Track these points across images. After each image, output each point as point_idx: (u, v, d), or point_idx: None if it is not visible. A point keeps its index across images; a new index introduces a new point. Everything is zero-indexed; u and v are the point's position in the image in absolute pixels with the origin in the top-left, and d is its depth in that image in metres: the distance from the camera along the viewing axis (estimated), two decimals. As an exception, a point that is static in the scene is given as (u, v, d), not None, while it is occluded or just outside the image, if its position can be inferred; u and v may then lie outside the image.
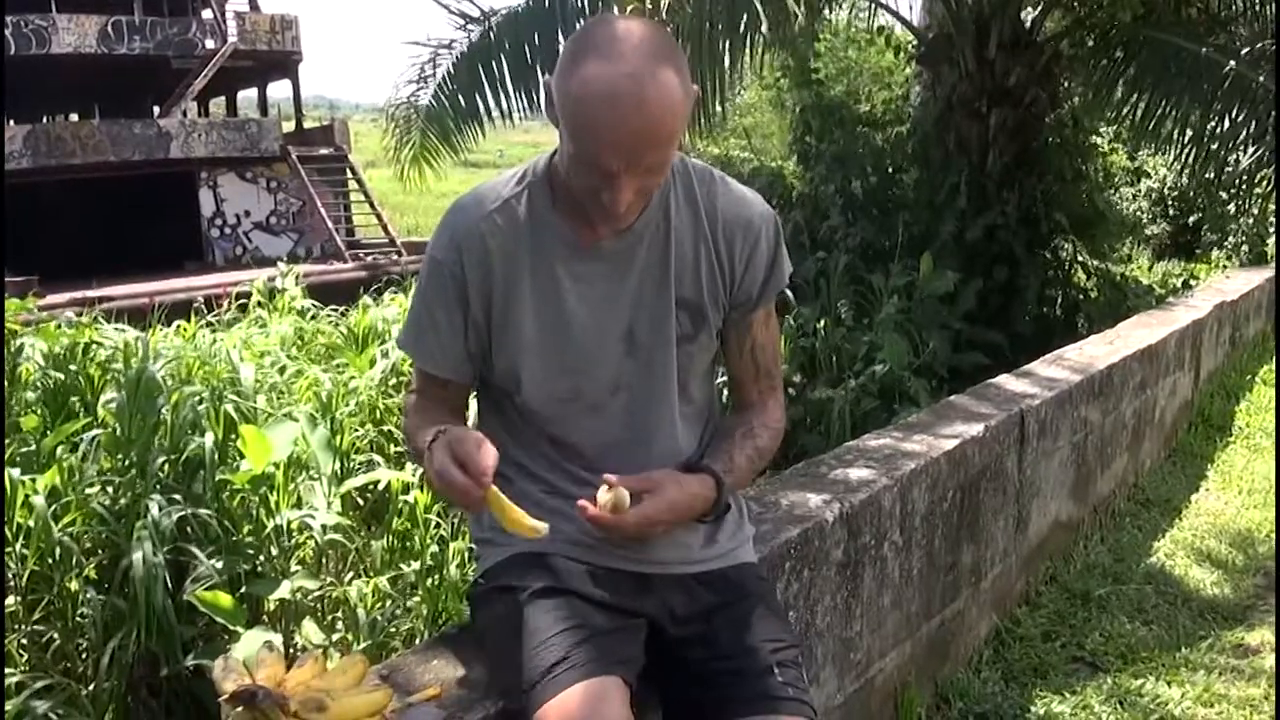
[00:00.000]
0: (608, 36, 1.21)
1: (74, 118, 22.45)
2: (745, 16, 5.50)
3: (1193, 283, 8.97)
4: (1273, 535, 3.70)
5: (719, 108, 5.98)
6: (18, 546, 2.77)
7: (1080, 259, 7.66)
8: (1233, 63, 5.85)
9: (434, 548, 3.16)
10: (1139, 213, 14.22)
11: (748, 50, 5.93)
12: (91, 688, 2.64)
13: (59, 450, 3.15)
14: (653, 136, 1.20)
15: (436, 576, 3.06)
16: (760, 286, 1.47)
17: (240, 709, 1.14)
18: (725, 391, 1.82)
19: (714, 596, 1.43)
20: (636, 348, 1.42)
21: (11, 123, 19.05)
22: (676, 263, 1.41)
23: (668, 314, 1.41)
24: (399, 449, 4.12)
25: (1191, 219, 13.94)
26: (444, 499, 1.32)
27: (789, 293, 6.06)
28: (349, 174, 20.53)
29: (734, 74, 6.25)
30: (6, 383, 3.76)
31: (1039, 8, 7.03)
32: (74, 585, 2.78)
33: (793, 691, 1.35)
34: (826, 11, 8.04)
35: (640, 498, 1.32)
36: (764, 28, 5.36)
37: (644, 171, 1.24)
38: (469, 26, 7.03)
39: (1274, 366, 6.30)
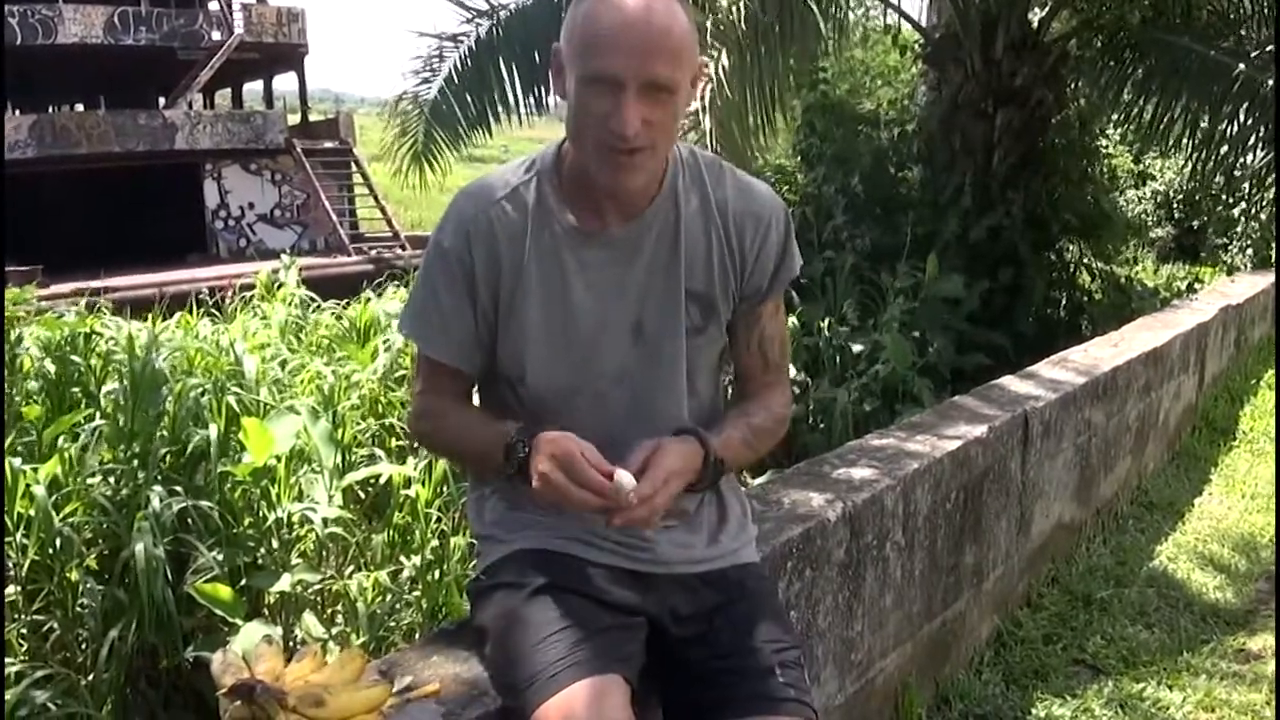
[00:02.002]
0: None
1: (79, 108, 22.43)
2: (795, 17, 5.56)
3: (1197, 286, 8.94)
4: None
5: (776, 100, 6.01)
6: (18, 536, 2.77)
7: (1085, 261, 7.64)
8: (1242, 65, 5.83)
9: (434, 542, 3.16)
10: (1144, 215, 14.19)
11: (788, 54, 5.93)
12: (90, 678, 2.64)
13: (60, 440, 3.14)
14: (660, 43, 1.23)
15: (437, 571, 3.06)
16: (770, 278, 1.46)
17: (238, 703, 1.13)
18: (729, 390, 1.80)
19: (716, 596, 1.42)
20: (644, 338, 1.41)
21: (17, 112, 19.05)
22: (687, 254, 1.40)
23: (677, 305, 1.40)
24: (400, 443, 4.11)
25: (1196, 222, 13.91)
26: (542, 496, 1.30)
27: (792, 290, 6.06)
28: (353, 167, 20.50)
29: (789, 78, 6.24)
30: (7, 372, 3.76)
31: (1047, 8, 7.00)
32: (74, 575, 2.78)
33: (794, 692, 1.34)
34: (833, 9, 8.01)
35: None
36: (822, 26, 5.42)
37: (651, 87, 1.24)
38: (477, 20, 7.01)
39: (1275, 370, 6.28)
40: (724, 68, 5.20)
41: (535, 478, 1.27)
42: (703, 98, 5.03)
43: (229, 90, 24.26)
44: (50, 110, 21.03)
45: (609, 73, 1.23)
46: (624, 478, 1.25)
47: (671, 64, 1.24)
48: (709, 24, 5.28)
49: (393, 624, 2.92)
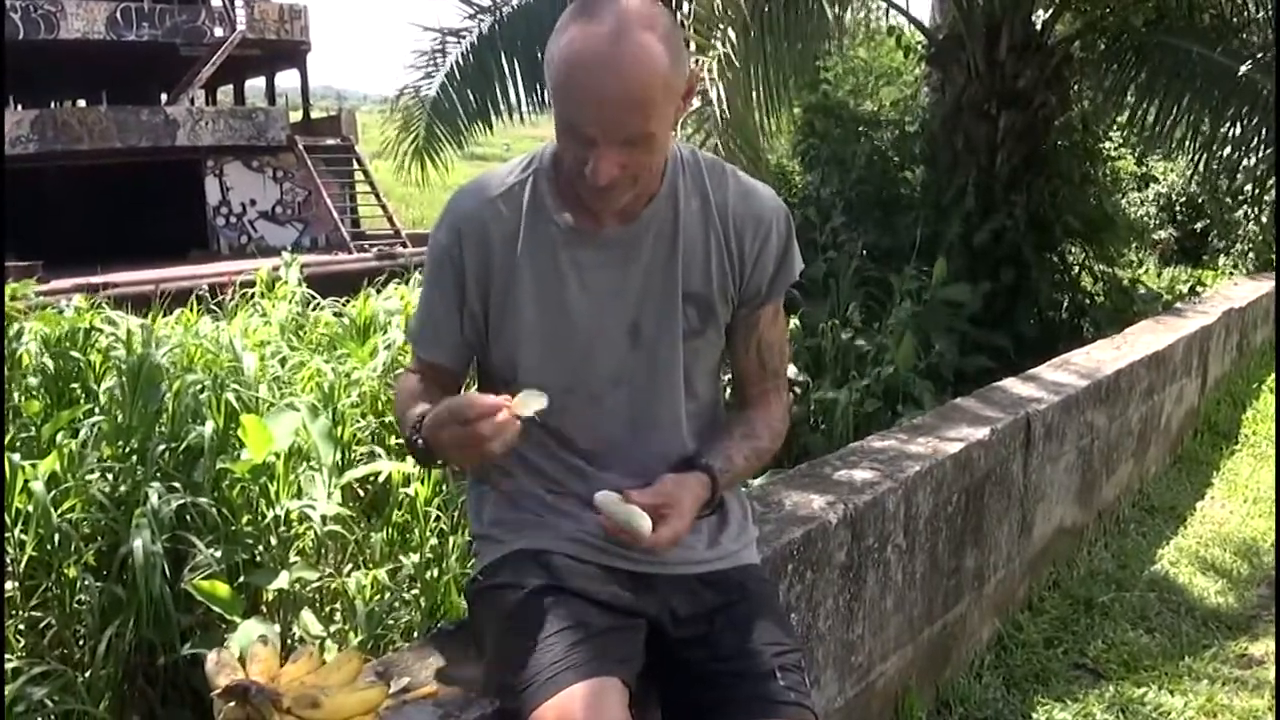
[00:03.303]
0: (598, 1, 1.21)
1: (81, 104, 22.43)
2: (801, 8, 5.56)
3: (1199, 289, 8.92)
4: (1278, 545, 3.68)
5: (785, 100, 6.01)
6: (17, 532, 2.76)
7: (1087, 263, 7.62)
8: (1245, 68, 5.82)
9: (433, 541, 3.15)
10: (1146, 218, 14.17)
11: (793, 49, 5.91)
12: (88, 674, 2.62)
13: (59, 436, 3.13)
14: (628, 100, 1.19)
15: (436, 570, 3.05)
16: (770, 281, 1.45)
17: (233, 704, 1.12)
18: (728, 390, 1.79)
19: (716, 597, 1.41)
20: (641, 341, 1.40)
21: (19, 108, 19.05)
22: (685, 255, 1.39)
23: (674, 307, 1.39)
24: (400, 440, 4.09)
25: (1199, 225, 13.90)
26: (464, 459, 1.28)
27: (795, 292, 6.01)
28: (355, 165, 20.50)
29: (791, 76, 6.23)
30: (6, 368, 3.74)
31: (1050, 11, 6.99)
32: (72, 572, 2.77)
33: (795, 695, 1.34)
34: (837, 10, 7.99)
35: (658, 512, 1.31)
36: (829, 14, 5.41)
37: (625, 143, 1.21)
38: (478, 16, 7.00)
39: (1276, 374, 6.26)
40: (732, 43, 5.16)
41: (447, 451, 1.25)
42: (712, 80, 4.99)
43: (231, 87, 24.24)
44: (52, 106, 21.04)
45: (579, 129, 1.21)
46: (625, 511, 1.28)
47: (644, 117, 1.21)
48: (717, 2, 5.24)
49: (391, 622, 2.90)
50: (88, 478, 2.94)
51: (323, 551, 3.13)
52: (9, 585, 2.74)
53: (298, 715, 1.14)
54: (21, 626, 2.76)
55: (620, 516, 1.28)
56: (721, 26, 5.08)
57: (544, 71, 1.28)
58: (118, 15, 18.46)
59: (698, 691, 1.36)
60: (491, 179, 1.41)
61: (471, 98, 7.01)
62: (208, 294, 6.22)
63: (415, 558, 3.06)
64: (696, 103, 5.02)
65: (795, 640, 1.45)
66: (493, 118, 7.12)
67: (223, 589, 2.54)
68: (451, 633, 1.53)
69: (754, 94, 5.47)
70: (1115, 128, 8.47)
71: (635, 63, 1.18)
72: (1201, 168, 6.70)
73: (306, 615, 2.78)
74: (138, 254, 16.08)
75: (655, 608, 1.39)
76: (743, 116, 5.19)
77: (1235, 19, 6.66)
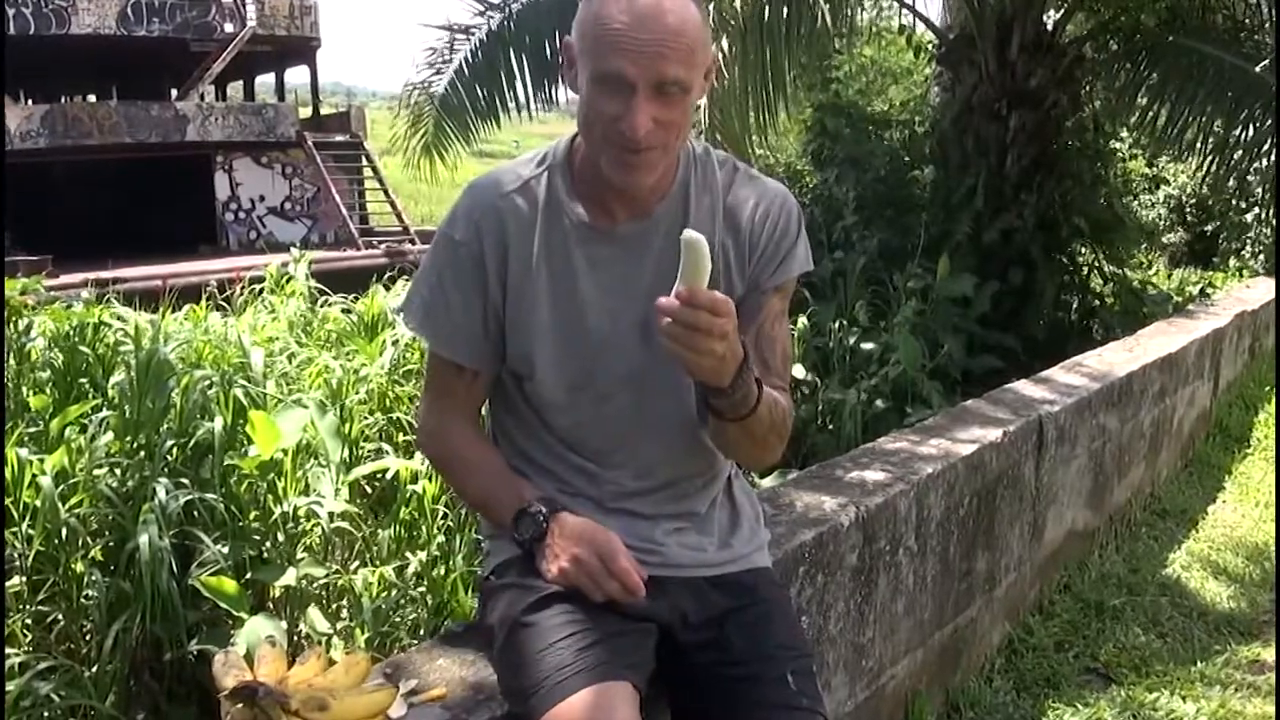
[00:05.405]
0: None
1: (92, 99, 22.48)
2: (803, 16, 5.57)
3: (1209, 291, 8.86)
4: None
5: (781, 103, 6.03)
6: (24, 527, 2.76)
7: (1097, 264, 7.59)
8: (1257, 69, 5.78)
9: (441, 538, 3.15)
10: (1157, 219, 14.12)
11: (799, 51, 5.93)
12: (94, 670, 2.62)
13: (68, 431, 3.13)
14: (672, 43, 1.21)
15: (443, 567, 3.04)
16: (775, 268, 1.40)
17: (240, 705, 1.11)
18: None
19: (728, 601, 1.40)
20: (652, 337, 1.38)
21: (30, 102, 19.10)
22: None
23: None
24: (408, 437, 4.09)
25: (1209, 227, 13.84)
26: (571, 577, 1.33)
27: (804, 290, 6.01)
28: (364, 161, 20.51)
29: (794, 76, 6.24)
30: (14, 361, 3.75)
31: (1062, 11, 6.96)
32: (79, 567, 2.77)
33: (806, 701, 1.32)
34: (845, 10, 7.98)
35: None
36: (827, 19, 5.41)
37: (662, 92, 1.22)
38: (488, 13, 7.00)
39: (1275, 376, 6.21)
40: (724, 52, 5.16)
41: (565, 559, 1.28)
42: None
43: (241, 83, 24.29)
44: (62, 100, 21.08)
45: (620, 74, 1.21)
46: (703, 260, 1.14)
47: (684, 64, 1.22)
48: (712, 10, 5.25)
49: (398, 620, 2.90)
50: (95, 473, 2.94)
51: (330, 548, 3.13)
52: (16, 580, 2.74)
53: (305, 717, 1.13)
54: (28, 621, 2.76)
55: (693, 261, 1.14)
56: (717, 34, 5.08)
57: (574, 39, 1.27)
58: (128, 10, 18.49)
59: (708, 696, 1.35)
60: (506, 174, 1.40)
61: (480, 94, 7.01)
62: (216, 290, 6.23)
63: (422, 555, 3.06)
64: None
65: (807, 645, 1.44)
66: (501, 115, 7.11)
67: (230, 585, 2.54)
68: (460, 634, 1.52)
69: (748, 101, 5.48)
70: (1126, 129, 8.43)
71: (678, 13, 1.22)
72: (1213, 169, 6.66)
73: (313, 612, 2.78)
74: (147, 249, 16.10)
75: (665, 611, 1.37)
76: (733, 126, 5.20)
77: (1248, 20, 6.63)
